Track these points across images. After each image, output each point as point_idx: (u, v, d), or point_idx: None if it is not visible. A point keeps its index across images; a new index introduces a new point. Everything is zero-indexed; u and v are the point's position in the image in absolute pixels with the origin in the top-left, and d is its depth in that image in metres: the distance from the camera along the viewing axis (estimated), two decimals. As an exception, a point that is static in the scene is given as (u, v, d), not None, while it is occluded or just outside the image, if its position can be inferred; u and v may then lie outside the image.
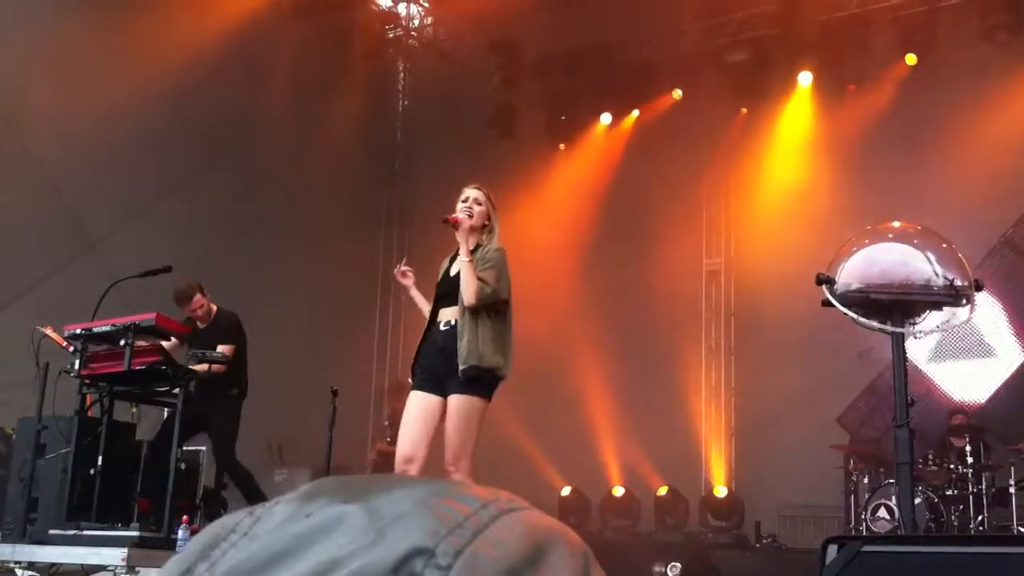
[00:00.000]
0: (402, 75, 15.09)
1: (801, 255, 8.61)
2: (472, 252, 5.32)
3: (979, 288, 4.42)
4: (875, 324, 4.39)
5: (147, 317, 6.68)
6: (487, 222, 5.50)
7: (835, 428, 10.27)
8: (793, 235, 10.82)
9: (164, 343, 6.94)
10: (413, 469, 5.17)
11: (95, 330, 6.66)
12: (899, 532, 6.05)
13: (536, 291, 12.65)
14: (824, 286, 4.45)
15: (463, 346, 5.13)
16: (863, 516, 8.54)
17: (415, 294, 5.71)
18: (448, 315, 5.34)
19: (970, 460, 8.58)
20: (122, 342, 6.56)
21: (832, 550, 3.08)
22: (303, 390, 10.25)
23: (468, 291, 5.17)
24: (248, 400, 7.79)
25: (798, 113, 12.05)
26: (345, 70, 12.91)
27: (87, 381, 6.77)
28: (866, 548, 3.05)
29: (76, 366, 6.69)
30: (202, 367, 6.99)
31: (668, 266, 12.17)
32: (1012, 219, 10.11)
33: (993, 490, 8.53)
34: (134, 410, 7.31)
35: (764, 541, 10.30)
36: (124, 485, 6.88)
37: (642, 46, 12.64)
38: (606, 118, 13.06)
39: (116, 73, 10.34)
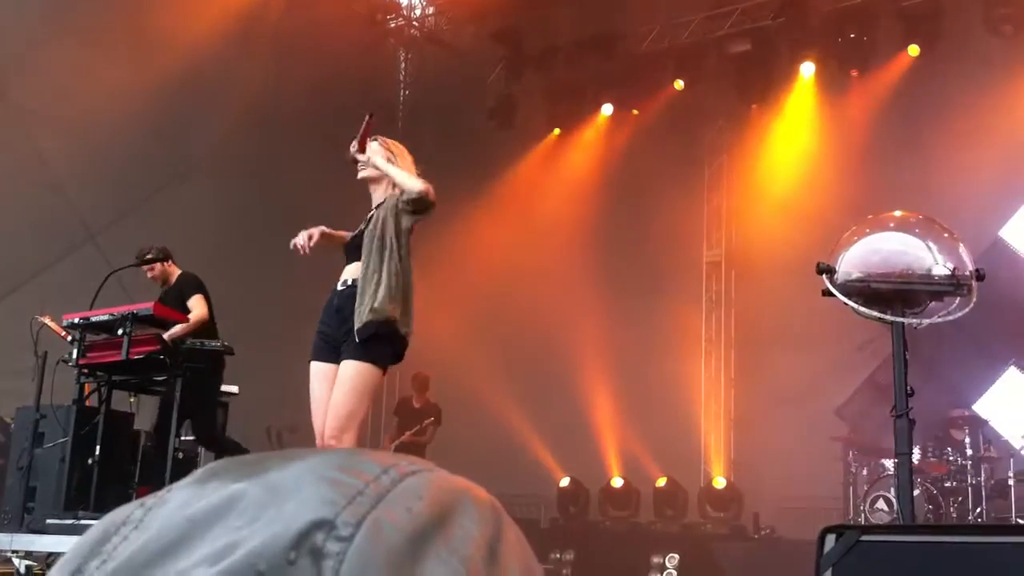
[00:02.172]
0: (403, 65, 15.05)
1: (801, 246, 8.58)
2: (380, 207, 5.08)
3: (981, 278, 4.39)
4: (875, 314, 4.37)
5: (145, 306, 6.68)
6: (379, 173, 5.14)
7: (834, 420, 10.26)
8: (794, 226, 10.79)
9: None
10: (338, 443, 4.71)
11: (93, 319, 6.66)
12: (898, 522, 6.04)
13: (536, 282, 12.68)
14: (824, 275, 4.43)
15: (362, 302, 4.77)
16: (862, 507, 8.54)
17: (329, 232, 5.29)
18: (348, 273, 5.04)
19: (969, 452, 8.58)
20: (120, 331, 6.55)
21: (830, 539, 3.07)
22: (303, 377, 10.23)
23: (408, 181, 4.93)
24: (247, 387, 7.76)
25: (800, 104, 12.02)
26: (345, 59, 12.87)
27: (85, 370, 6.78)
28: (864, 537, 3.04)
29: (74, 355, 6.69)
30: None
31: (669, 257, 12.16)
32: (1014, 212, 10.09)
33: (992, 482, 8.54)
34: (132, 399, 7.30)
35: (762, 532, 10.29)
36: (122, 474, 6.88)
37: (643, 37, 12.60)
38: (607, 109, 13.03)
39: (116, 64, 10.34)
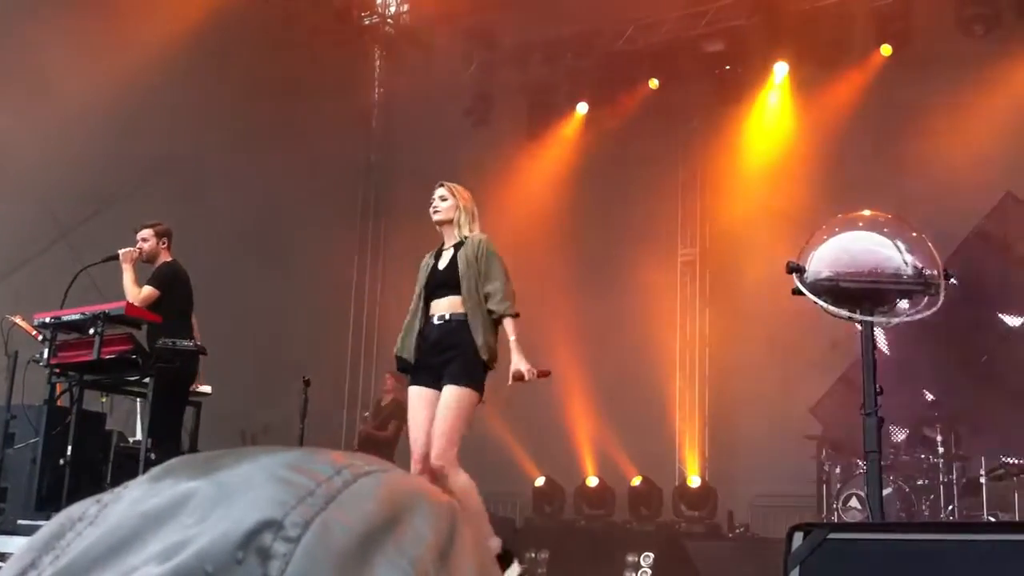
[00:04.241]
0: (377, 63, 15.02)
1: (776, 245, 8.62)
2: (457, 246, 5.60)
3: (948, 277, 4.43)
4: (844, 313, 4.40)
5: (117, 305, 6.63)
6: (453, 214, 5.70)
7: (809, 418, 10.30)
8: (768, 225, 10.85)
9: None
10: (443, 462, 5.31)
11: (64, 318, 6.60)
12: (868, 520, 6.08)
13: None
14: (794, 274, 4.45)
15: (479, 338, 5.35)
16: (835, 506, 8.59)
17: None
18: (442, 309, 5.51)
19: (941, 450, 8.64)
20: (91, 331, 6.50)
21: (798, 538, 3.09)
22: (277, 380, 10.22)
23: (501, 303, 5.44)
24: (222, 390, 7.71)
25: (774, 103, 12.08)
26: (319, 58, 12.83)
27: (56, 370, 6.72)
28: (832, 535, 3.06)
29: (45, 355, 6.63)
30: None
31: (643, 256, 12.18)
32: (985, 210, 10.16)
33: (964, 480, 8.59)
34: (104, 399, 7.25)
35: (737, 531, 10.34)
36: (94, 475, 6.83)
37: (618, 36, 12.62)
38: (582, 107, 13.05)
39: (87, 62, 10.27)
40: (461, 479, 5.32)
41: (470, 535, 0.49)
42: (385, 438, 10.85)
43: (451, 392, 5.32)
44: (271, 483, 0.45)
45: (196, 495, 0.45)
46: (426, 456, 5.34)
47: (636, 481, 11.14)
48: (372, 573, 0.43)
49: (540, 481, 11.48)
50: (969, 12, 10.53)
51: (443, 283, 5.56)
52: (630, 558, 9.51)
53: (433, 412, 5.37)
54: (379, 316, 14.58)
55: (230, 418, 9.17)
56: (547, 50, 12.83)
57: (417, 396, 5.48)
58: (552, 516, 11.23)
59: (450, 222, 5.71)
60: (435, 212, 5.75)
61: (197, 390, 7.32)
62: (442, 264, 5.63)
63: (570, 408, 11.88)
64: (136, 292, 7.09)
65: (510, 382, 5.53)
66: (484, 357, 5.34)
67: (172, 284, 7.30)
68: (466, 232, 5.67)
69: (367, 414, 11.80)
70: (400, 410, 11.12)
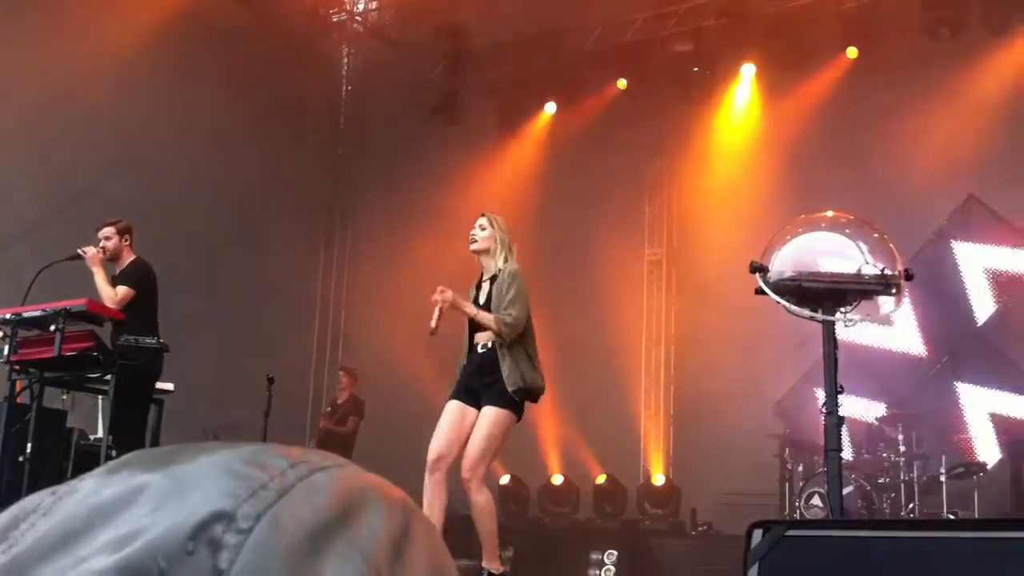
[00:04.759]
0: (346, 60, 14.96)
1: (741, 245, 8.65)
2: (493, 279, 5.96)
3: (909, 278, 4.47)
4: (806, 312, 4.43)
5: (78, 303, 6.57)
6: (490, 244, 6.04)
7: (773, 417, 10.38)
8: (734, 225, 10.90)
9: None
10: (443, 466, 5.71)
11: (25, 315, 6.54)
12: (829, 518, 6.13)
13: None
14: (757, 274, 4.48)
15: (506, 370, 5.71)
16: (797, 503, 8.65)
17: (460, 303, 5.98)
18: (483, 338, 5.89)
19: (902, 449, 8.72)
20: (52, 327, 6.45)
21: (757, 535, 3.10)
22: (241, 378, 10.17)
23: (497, 333, 5.77)
24: (185, 388, 7.66)
25: (742, 104, 12.14)
26: (287, 55, 12.77)
27: (17, 367, 6.66)
28: (790, 532, 3.08)
29: (5, 352, 6.57)
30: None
31: (610, 255, 12.21)
32: (948, 211, 10.27)
33: (924, 478, 8.68)
34: (65, 397, 7.19)
35: (700, 528, 10.39)
36: (54, 472, 6.77)
37: (588, 35, 12.64)
38: (551, 107, 13.07)
39: (48, 58, 10.16)
40: (482, 499, 5.70)
41: (424, 531, 0.49)
42: (344, 434, 10.91)
43: (488, 413, 5.70)
44: (224, 476, 0.45)
45: (149, 487, 0.45)
46: (442, 456, 5.71)
47: (601, 479, 11.16)
48: (323, 566, 0.43)
49: (505, 479, 11.48)
50: (934, 16, 10.64)
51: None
52: (594, 556, 9.54)
53: (463, 425, 5.78)
54: (345, 314, 14.55)
55: (193, 416, 9.12)
56: (516, 49, 12.84)
57: (450, 407, 5.88)
58: (517, 514, 11.24)
59: (487, 251, 6.04)
60: (472, 241, 6.06)
61: (158, 387, 7.27)
62: (481, 297, 5.99)
63: (535, 406, 11.84)
64: (112, 293, 7.06)
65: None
66: (511, 389, 5.67)
67: (144, 282, 7.28)
68: (501, 263, 5.99)
69: (328, 409, 11.83)
70: (357, 406, 11.26)
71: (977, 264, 10.17)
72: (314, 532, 0.44)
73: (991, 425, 9.71)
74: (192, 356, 7.89)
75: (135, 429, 7.05)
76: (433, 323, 5.77)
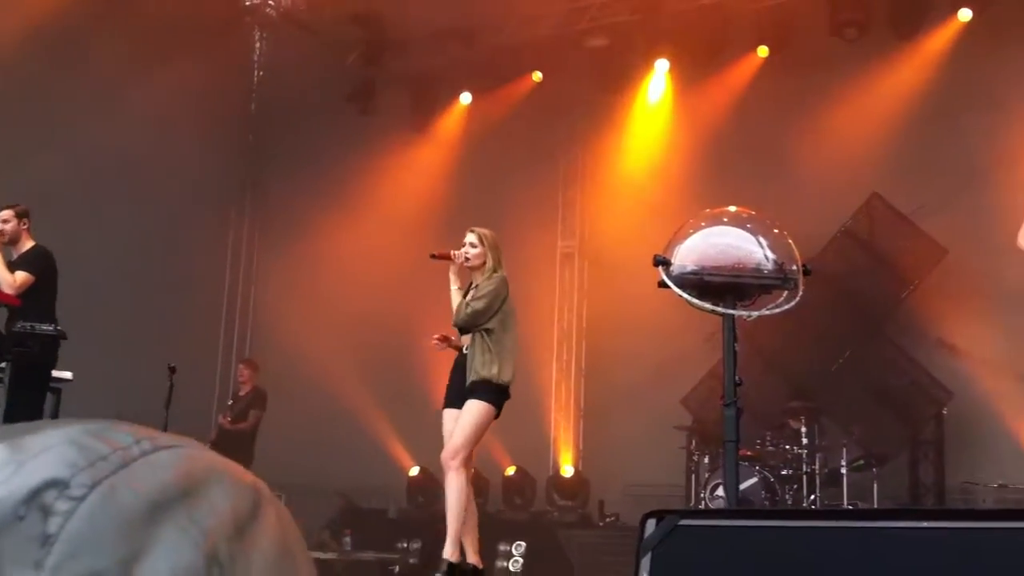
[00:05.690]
0: (258, 45, 14.71)
1: (652, 238, 8.64)
2: (469, 287, 6.53)
3: (807, 273, 4.55)
4: (708, 306, 4.48)
5: (-29, 288, 6.38)
6: (483, 260, 6.56)
7: (680, 409, 10.49)
8: (645, 218, 10.97)
9: None
10: (454, 465, 6.36)
11: (-85, 301, 6.33)
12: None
13: (384, 269, 12.57)
14: (660, 267, 4.51)
15: (470, 364, 6.35)
16: (702, 495, 8.76)
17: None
18: (466, 341, 6.53)
19: (805, 441, 8.88)
20: (-56, 313, 6.25)
21: (651, 524, 3.11)
22: (143, 367, 9.94)
23: (455, 315, 6.49)
24: (84, 376, 7.47)
25: (655, 99, 12.23)
26: (197, 38, 12.50)
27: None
28: (684, 522, 3.10)
29: None
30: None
31: (523, 247, 12.17)
32: (853, 209, 10.46)
33: (826, 470, 8.86)
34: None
35: (607, 519, 10.47)
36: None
37: (503, 28, 12.62)
38: (466, 97, 13.04)
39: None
40: (456, 481, 6.31)
41: (275, 517, 0.49)
42: (243, 430, 10.67)
43: (467, 405, 6.33)
44: (65, 446, 0.46)
45: None
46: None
47: (510, 471, 11.19)
48: (157, 535, 0.44)
49: (414, 471, 11.45)
50: (843, 17, 10.84)
51: None
52: (502, 547, 9.55)
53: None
54: (254, 303, 14.35)
55: (92, 406, 8.89)
56: (431, 40, 12.76)
57: (446, 416, 6.59)
58: (425, 506, 11.19)
59: (480, 267, 6.58)
60: (467, 261, 6.58)
61: (55, 375, 7.09)
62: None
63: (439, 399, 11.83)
64: (11, 279, 6.88)
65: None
66: (469, 379, 6.32)
67: (44, 269, 7.12)
68: (490, 275, 6.54)
69: (230, 402, 11.61)
70: (259, 399, 11.07)
71: (880, 261, 10.38)
72: (152, 504, 0.45)
73: (893, 418, 9.94)
74: (92, 344, 7.68)
75: (31, 418, 6.84)
76: (440, 252, 6.61)
